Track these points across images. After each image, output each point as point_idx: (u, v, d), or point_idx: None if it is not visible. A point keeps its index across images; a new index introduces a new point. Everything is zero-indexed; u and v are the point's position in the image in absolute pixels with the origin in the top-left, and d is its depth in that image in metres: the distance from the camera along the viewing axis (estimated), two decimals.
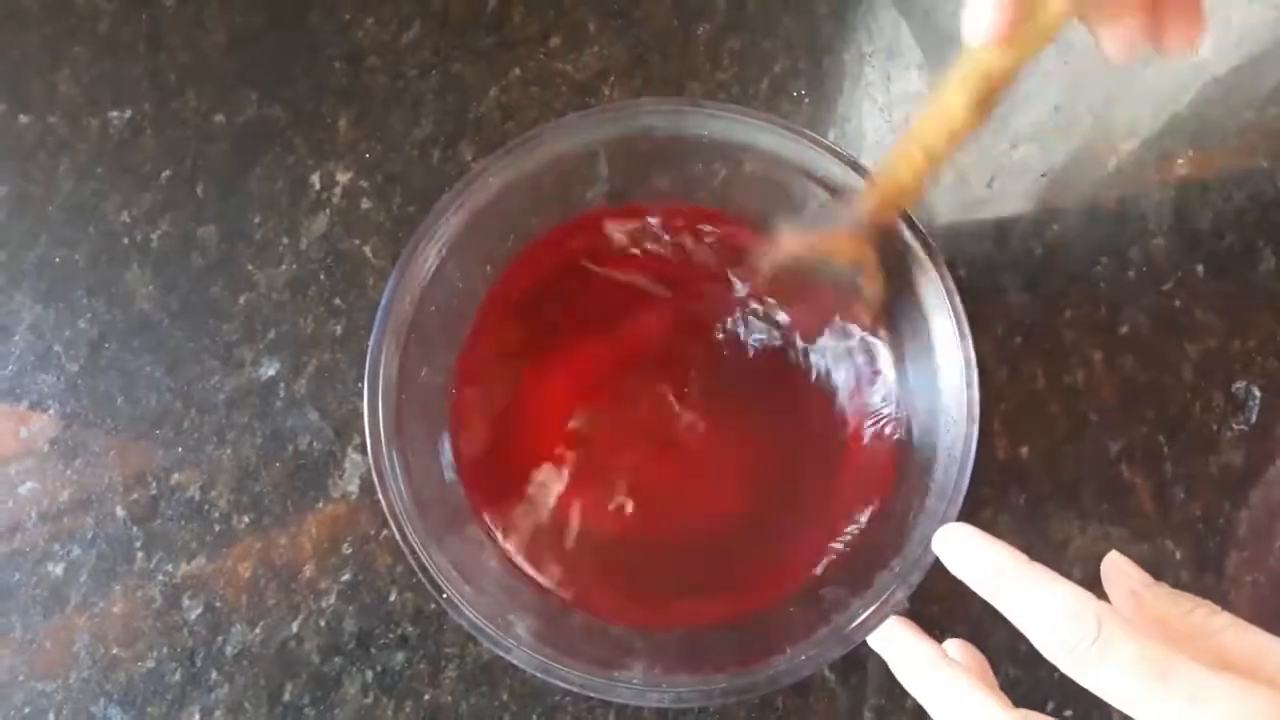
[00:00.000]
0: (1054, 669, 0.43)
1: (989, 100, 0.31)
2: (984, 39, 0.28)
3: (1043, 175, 0.48)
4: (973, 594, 0.43)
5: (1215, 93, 0.49)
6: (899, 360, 0.42)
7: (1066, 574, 0.43)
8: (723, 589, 0.42)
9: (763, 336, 0.44)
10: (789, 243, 0.40)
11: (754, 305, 0.43)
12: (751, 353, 0.44)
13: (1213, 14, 0.49)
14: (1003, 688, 0.43)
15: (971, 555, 0.30)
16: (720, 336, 0.44)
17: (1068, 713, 0.43)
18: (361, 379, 0.39)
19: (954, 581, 0.43)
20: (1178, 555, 0.44)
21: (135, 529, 0.44)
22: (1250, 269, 0.47)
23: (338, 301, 0.47)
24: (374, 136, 0.48)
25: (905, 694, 0.42)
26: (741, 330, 0.44)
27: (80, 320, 0.47)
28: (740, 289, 0.44)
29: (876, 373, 0.43)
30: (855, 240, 0.38)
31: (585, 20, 0.50)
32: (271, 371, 0.46)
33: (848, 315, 0.42)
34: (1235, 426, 0.45)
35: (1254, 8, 0.50)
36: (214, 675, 0.43)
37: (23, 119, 0.49)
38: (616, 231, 0.45)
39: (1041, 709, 0.43)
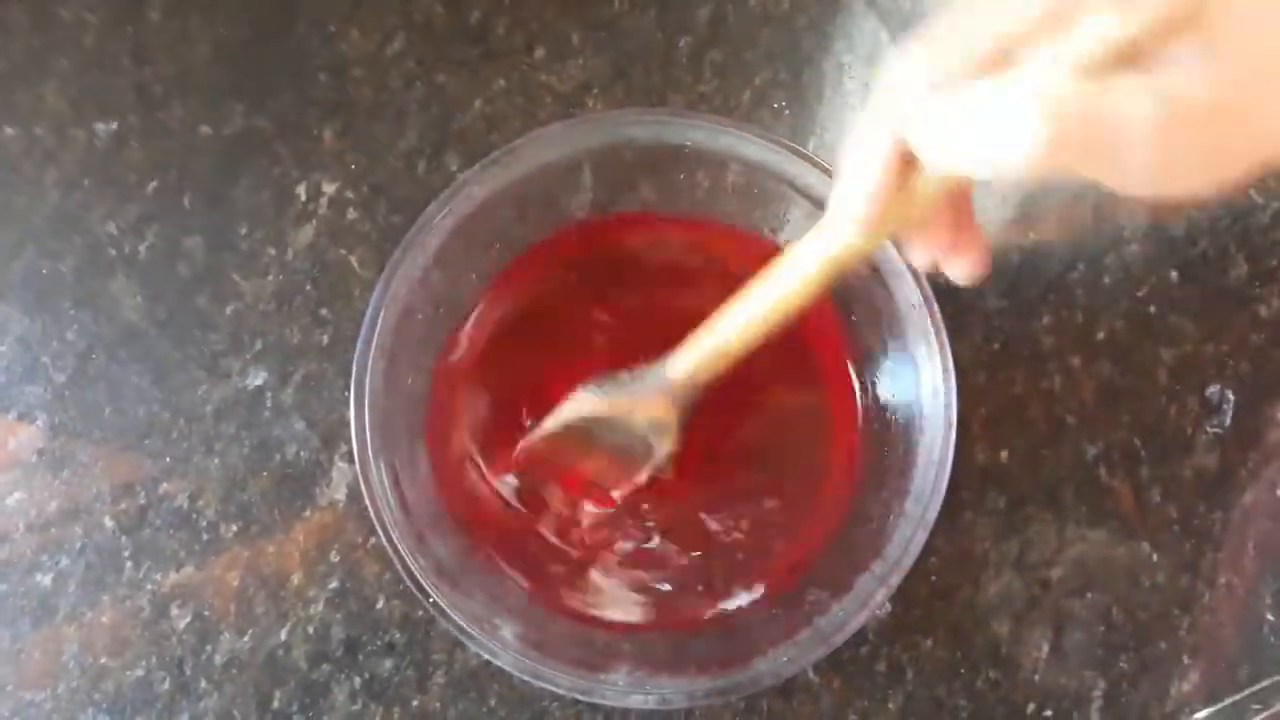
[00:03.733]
0: (1034, 670, 0.44)
1: (830, 280, 0.32)
2: (851, 223, 0.29)
3: (1019, 182, 0.49)
4: (953, 598, 0.44)
5: None
6: (878, 366, 0.43)
7: (1045, 576, 0.45)
8: (706, 591, 0.42)
9: None
10: (588, 404, 0.39)
11: None
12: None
13: None
14: (983, 689, 0.44)
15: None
16: None
17: (1047, 712, 0.43)
18: (348, 388, 0.39)
19: (934, 585, 0.44)
20: (1154, 557, 0.45)
21: (123, 539, 0.45)
22: (1223, 275, 0.48)
23: (324, 311, 0.47)
24: (359, 147, 0.49)
25: (889, 696, 0.43)
26: None
27: (67, 331, 0.47)
28: None
29: (862, 378, 0.44)
30: (662, 405, 0.38)
31: (568, 32, 0.50)
32: (258, 381, 0.46)
33: (629, 474, 0.41)
34: (1210, 429, 0.46)
35: None
36: (203, 684, 0.43)
37: (8, 130, 0.49)
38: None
39: (1022, 709, 0.44)
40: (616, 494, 0.42)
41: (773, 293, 0.33)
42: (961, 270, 0.32)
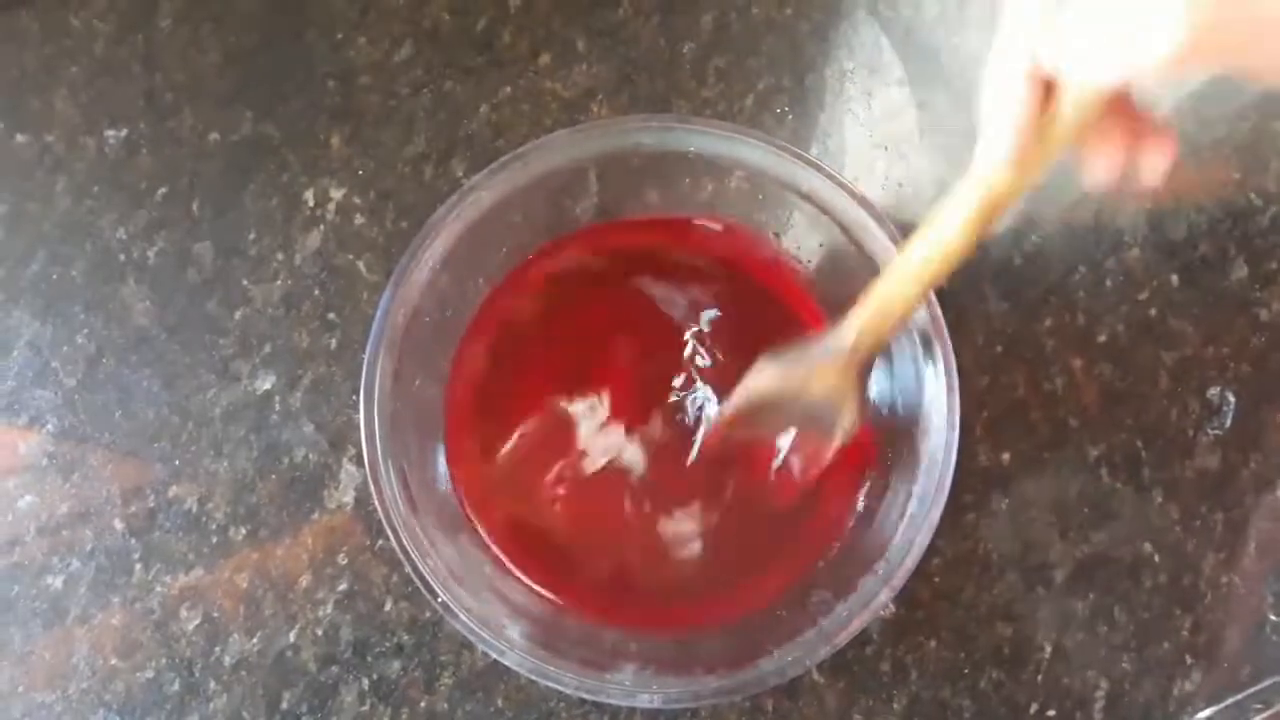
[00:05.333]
0: (1037, 670, 0.44)
1: (990, 223, 0.31)
2: (1002, 162, 0.29)
3: None
4: (956, 599, 0.44)
5: (1188, 108, 0.50)
6: (882, 369, 0.43)
7: (1049, 579, 0.45)
8: (713, 593, 0.43)
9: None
10: (769, 377, 0.39)
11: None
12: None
13: None
14: (987, 690, 0.44)
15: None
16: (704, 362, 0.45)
17: (1050, 712, 0.44)
18: (356, 392, 0.39)
19: (938, 586, 0.44)
20: (1156, 558, 0.45)
21: (133, 541, 0.45)
22: (1223, 278, 0.48)
23: (332, 316, 0.47)
24: (367, 154, 0.49)
25: (893, 696, 0.44)
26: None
27: (78, 336, 0.47)
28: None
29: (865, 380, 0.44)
30: (837, 371, 0.37)
31: (574, 39, 0.51)
32: (267, 385, 0.47)
33: (821, 448, 0.40)
34: (1210, 431, 0.47)
35: None
36: (212, 685, 0.44)
37: (20, 138, 0.50)
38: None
39: (1025, 710, 0.44)
40: (814, 466, 0.42)
41: (932, 245, 0.32)
42: (1153, 169, 0.30)
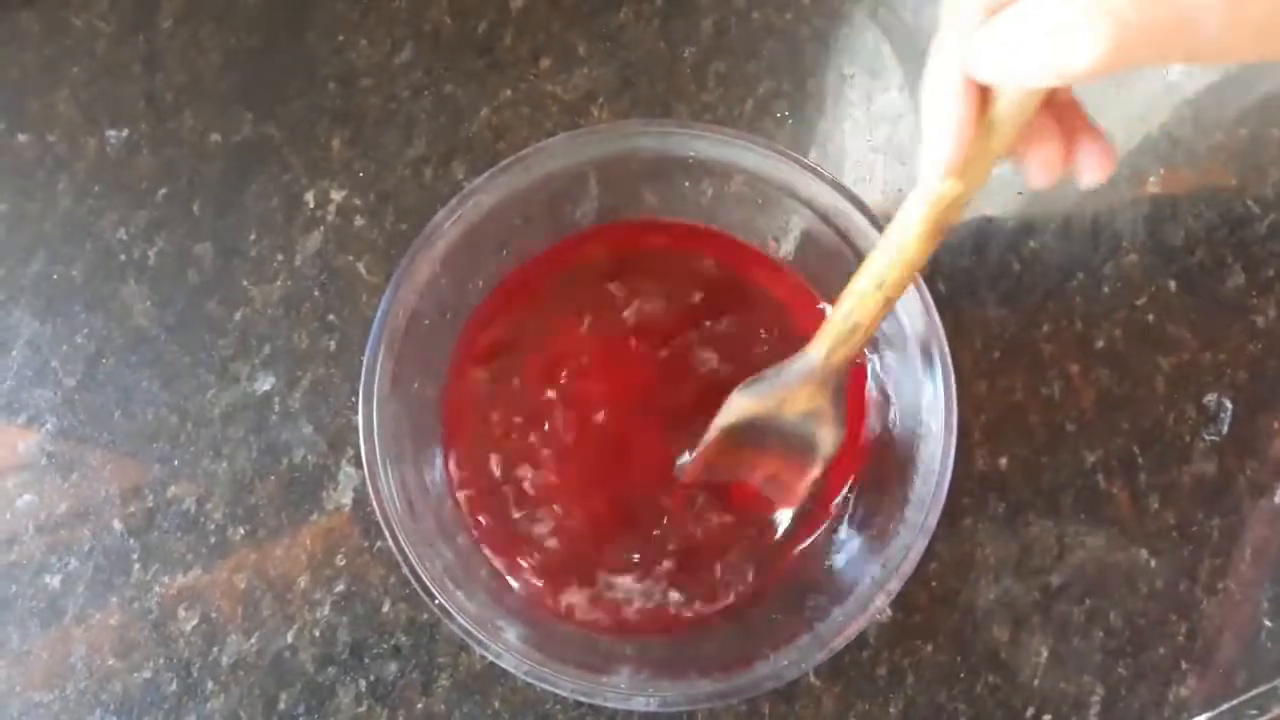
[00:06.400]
0: (1033, 675, 0.44)
1: (943, 230, 0.32)
2: (946, 168, 0.29)
3: (1019, 193, 0.49)
4: (953, 604, 0.45)
5: (1186, 114, 0.50)
6: (879, 374, 0.44)
7: (1045, 582, 0.45)
8: (709, 597, 0.43)
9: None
10: (741, 407, 0.39)
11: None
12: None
13: None
14: (983, 694, 0.44)
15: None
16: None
17: (1046, 717, 0.44)
18: (355, 393, 0.39)
19: (935, 590, 0.45)
20: (1153, 563, 0.45)
21: (132, 541, 0.45)
22: (1220, 284, 0.48)
23: (331, 317, 0.47)
24: (367, 156, 0.49)
25: (889, 700, 0.44)
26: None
27: (77, 335, 0.47)
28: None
29: (859, 390, 0.44)
30: (809, 393, 0.38)
31: (575, 43, 0.51)
32: (266, 386, 0.47)
33: (804, 470, 0.40)
34: (1207, 437, 0.47)
35: None
36: (210, 685, 0.44)
37: (21, 138, 0.50)
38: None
39: (1021, 714, 0.44)
40: (798, 491, 0.42)
41: (887, 259, 0.33)
42: (1090, 172, 0.31)
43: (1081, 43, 0.23)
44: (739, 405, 0.39)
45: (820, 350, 0.37)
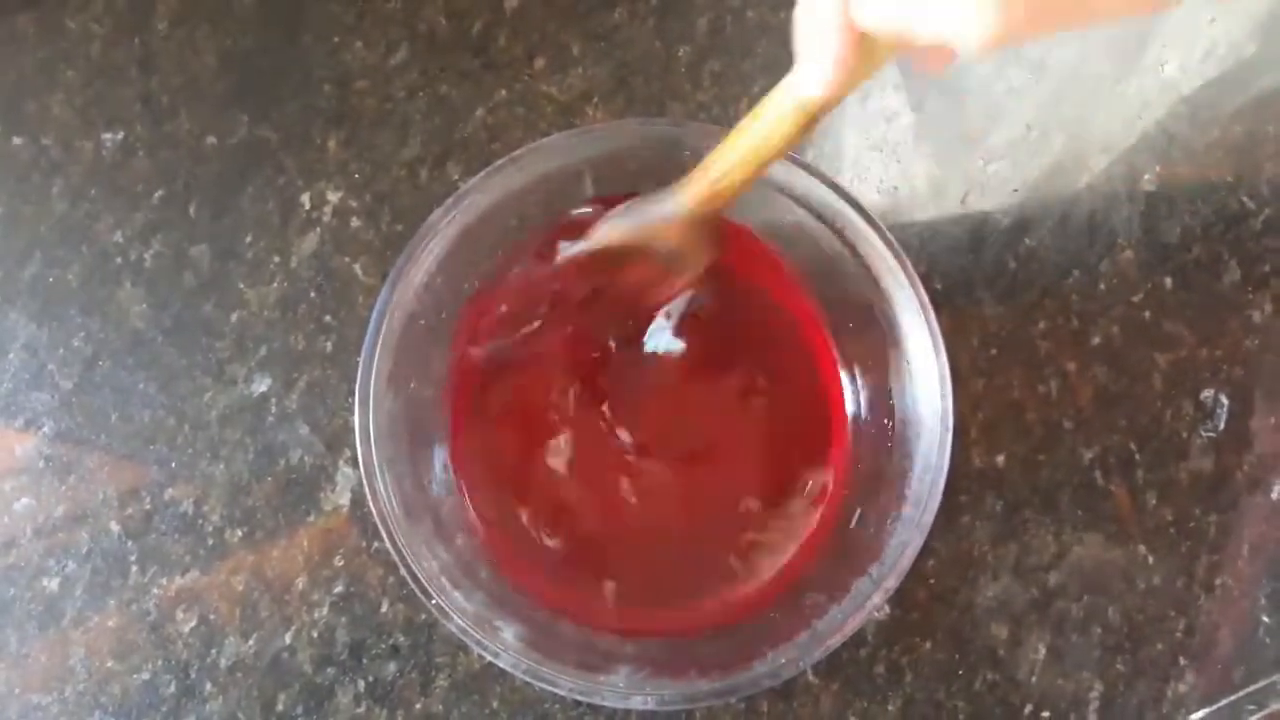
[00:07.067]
0: (1031, 671, 0.44)
1: (816, 122, 0.33)
2: (821, 90, 0.30)
3: (1015, 190, 0.49)
4: (951, 601, 0.45)
5: (1182, 111, 0.50)
6: (876, 372, 0.44)
7: (1042, 579, 0.45)
8: (707, 595, 0.43)
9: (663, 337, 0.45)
10: (612, 231, 0.40)
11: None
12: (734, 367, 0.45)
13: (1179, 37, 0.51)
14: (981, 691, 0.44)
15: None
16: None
17: (1045, 714, 0.44)
18: (351, 394, 0.39)
19: (933, 588, 0.45)
20: (1150, 560, 0.45)
21: (129, 543, 0.45)
22: (1216, 280, 0.48)
23: (328, 319, 0.47)
24: (363, 157, 0.49)
25: (888, 698, 0.44)
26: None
27: (74, 338, 0.47)
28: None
29: (854, 387, 0.45)
30: (678, 232, 0.39)
31: (569, 43, 0.51)
32: (263, 388, 0.47)
33: (664, 288, 0.42)
34: (1204, 434, 0.47)
35: (1217, 30, 0.51)
36: (208, 687, 0.44)
37: (16, 141, 0.50)
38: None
39: (1020, 711, 0.44)
40: (669, 296, 0.43)
41: (758, 138, 0.34)
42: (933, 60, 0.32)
43: (969, 23, 0.23)
44: (617, 228, 0.40)
45: (685, 200, 0.37)
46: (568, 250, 0.41)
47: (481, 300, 0.45)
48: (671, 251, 0.39)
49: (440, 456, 0.44)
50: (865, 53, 0.29)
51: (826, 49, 0.29)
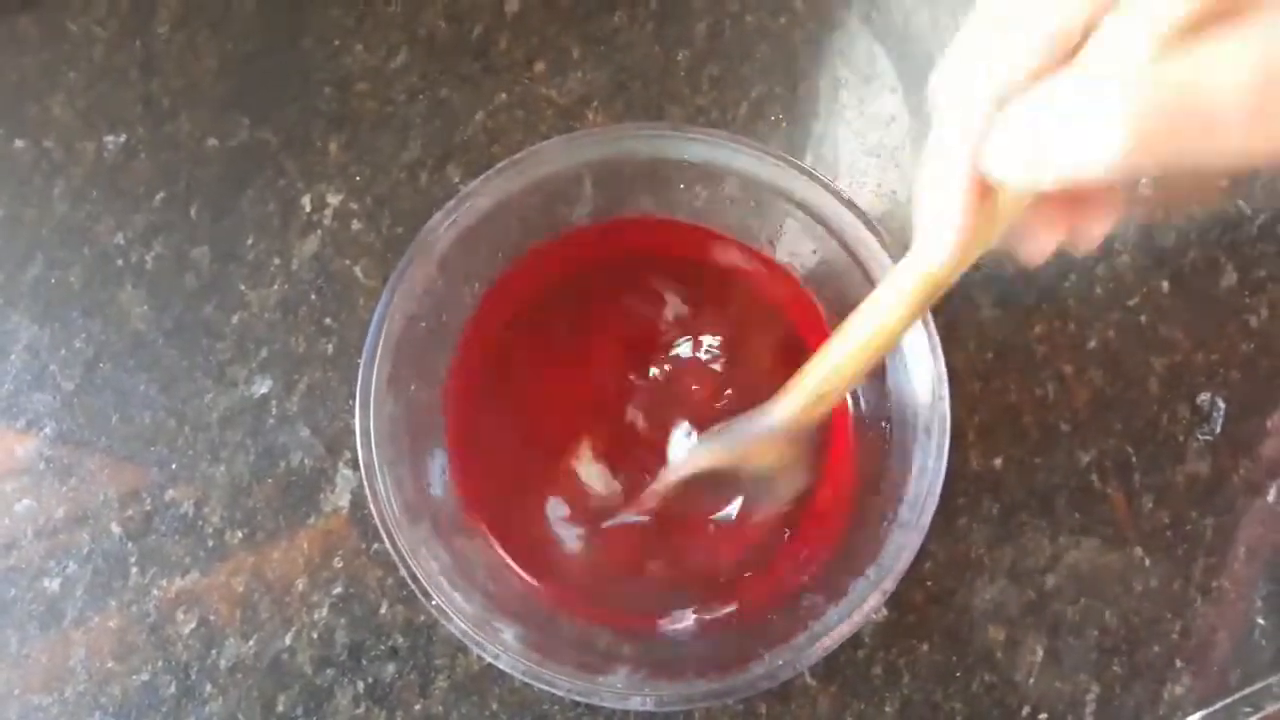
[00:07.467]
0: (1029, 673, 0.44)
1: (929, 303, 0.31)
2: (944, 260, 0.28)
3: None
4: (948, 603, 0.45)
5: None
6: (873, 375, 0.44)
7: (1039, 581, 0.45)
8: (706, 597, 0.43)
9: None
10: (706, 456, 0.39)
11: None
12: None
13: None
14: (978, 693, 0.44)
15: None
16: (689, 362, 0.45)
17: (1041, 716, 0.44)
18: (352, 397, 0.40)
19: (930, 590, 0.45)
20: (1147, 563, 0.46)
21: (130, 545, 0.45)
22: (1213, 284, 0.49)
23: (329, 321, 0.48)
24: (363, 160, 0.49)
25: (885, 699, 0.44)
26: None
27: (75, 340, 0.47)
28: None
29: (852, 389, 0.45)
30: (776, 450, 0.38)
31: (569, 47, 0.51)
32: (264, 389, 0.47)
33: (761, 512, 0.41)
34: (1201, 437, 0.47)
35: None
36: (208, 688, 0.44)
37: (18, 143, 0.50)
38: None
39: (1017, 713, 0.44)
40: (753, 531, 0.42)
41: (870, 325, 0.32)
42: (1090, 239, 0.29)
43: (1098, 143, 0.22)
44: (702, 456, 0.39)
45: (786, 413, 0.36)
46: (662, 480, 0.40)
47: (486, 307, 0.45)
48: (766, 471, 0.38)
49: (440, 459, 0.44)
50: (986, 216, 0.27)
51: (954, 215, 0.27)
